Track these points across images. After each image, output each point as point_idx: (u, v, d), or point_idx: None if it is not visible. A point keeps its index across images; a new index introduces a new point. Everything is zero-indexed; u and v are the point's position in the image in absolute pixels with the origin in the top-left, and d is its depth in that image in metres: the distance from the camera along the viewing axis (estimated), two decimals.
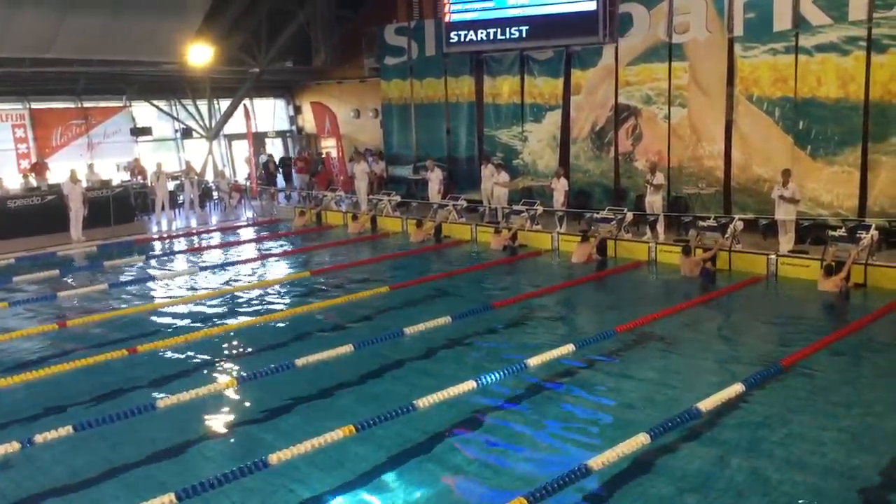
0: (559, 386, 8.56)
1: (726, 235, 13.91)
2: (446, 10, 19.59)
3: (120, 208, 20.66)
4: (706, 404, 7.50)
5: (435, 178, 19.61)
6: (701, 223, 14.47)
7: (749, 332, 10.66)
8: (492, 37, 18.99)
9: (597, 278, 13.90)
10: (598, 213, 16.15)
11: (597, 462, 6.31)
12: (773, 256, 13.32)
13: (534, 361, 8.87)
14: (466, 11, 19.34)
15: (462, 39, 19.50)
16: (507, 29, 18.72)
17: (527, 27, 18.41)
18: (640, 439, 6.73)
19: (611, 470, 6.37)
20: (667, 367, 9.16)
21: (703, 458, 6.75)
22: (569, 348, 9.31)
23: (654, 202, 15.53)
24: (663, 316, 10.90)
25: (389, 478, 6.51)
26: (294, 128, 28.73)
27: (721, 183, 16.15)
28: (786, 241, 13.76)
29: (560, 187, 17.15)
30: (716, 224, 14.25)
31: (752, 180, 15.54)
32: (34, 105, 22.81)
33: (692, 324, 10.78)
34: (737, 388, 7.92)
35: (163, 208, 21.44)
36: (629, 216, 15.57)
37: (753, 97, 15.49)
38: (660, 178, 15.67)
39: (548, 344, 9.55)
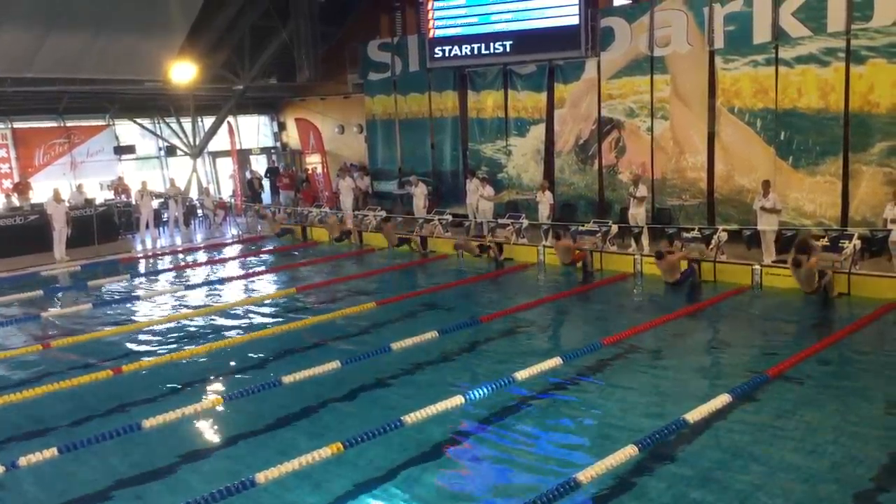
0: (545, 398, 8.57)
1: (710, 247, 13.99)
2: (430, 25, 19.69)
3: (104, 227, 20.46)
4: (693, 415, 7.51)
5: (420, 193, 19.65)
6: (685, 234, 14.55)
7: (735, 343, 10.71)
8: (476, 52, 19.14)
9: (583, 291, 13.93)
10: (582, 225, 16.21)
11: (586, 475, 6.29)
12: (757, 267, 13.41)
13: (521, 375, 8.85)
14: (450, 27, 19.47)
15: (447, 55, 19.62)
16: (492, 44, 18.86)
17: (511, 41, 18.56)
18: (629, 451, 6.72)
19: (600, 483, 6.37)
20: (654, 379, 9.18)
21: (693, 467, 6.77)
22: (556, 361, 9.30)
23: (638, 214, 15.60)
24: (650, 327, 10.94)
25: (378, 494, 6.48)
26: (278, 144, 28.70)
27: (704, 194, 16.29)
28: (767, 252, 13.85)
29: (545, 200, 17.22)
30: (700, 235, 14.33)
31: (735, 191, 15.68)
32: (16, 124, 22.66)
33: (679, 335, 10.83)
34: (724, 399, 7.94)
35: (147, 226, 21.33)
36: (614, 228, 15.63)
37: (735, 109, 15.66)
38: (643, 190, 15.76)
39: (535, 357, 9.53)
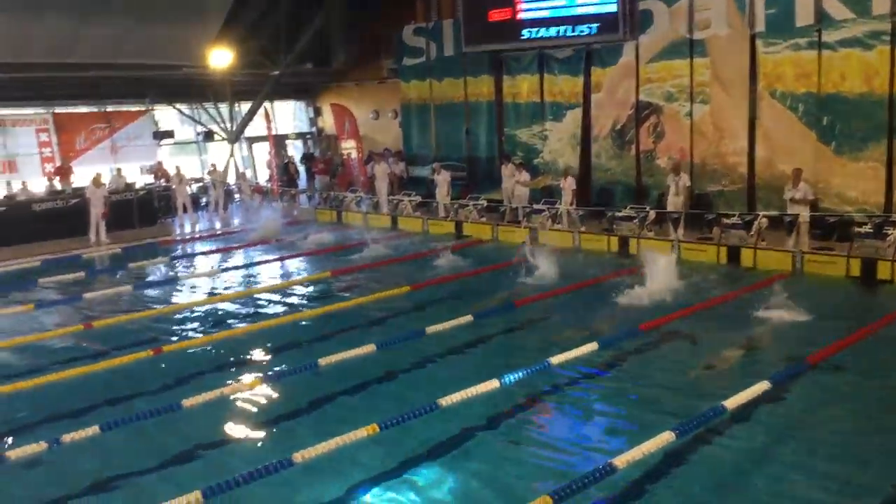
0: (583, 384, 8.53)
1: (750, 233, 13.78)
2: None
3: (144, 211, 20.84)
4: (732, 402, 7.43)
5: (443, 180, 19.62)
6: (725, 221, 14.35)
7: (775, 330, 10.52)
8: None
9: (619, 276, 13.79)
10: (619, 211, 16.07)
11: (622, 460, 6.26)
12: (798, 253, 13.18)
13: (557, 360, 8.82)
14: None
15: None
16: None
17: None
18: (666, 437, 6.67)
19: (636, 468, 6.32)
20: (692, 365, 9.08)
21: (730, 455, 6.70)
22: (592, 346, 9.26)
23: (677, 203, 15.40)
24: (688, 314, 10.82)
25: (413, 476, 6.50)
26: (314, 129, 28.83)
27: (745, 180, 16.02)
28: (802, 242, 13.55)
29: (567, 187, 17.17)
30: (740, 221, 14.12)
31: (776, 177, 15.38)
32: (57, 110, 23.05)
33: (717, 322, 10.68)
34: (763, 386, 7.83)
35: (184, 210, 21.57)
36: (652, 214, 15.46)
37: (776, 93, 15.35)
38: (685, 179, 15.52)
39: (571, 342, 9.49)
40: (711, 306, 11.31)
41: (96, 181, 19.03)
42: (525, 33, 18.69)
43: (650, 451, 6.47)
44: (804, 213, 13.69)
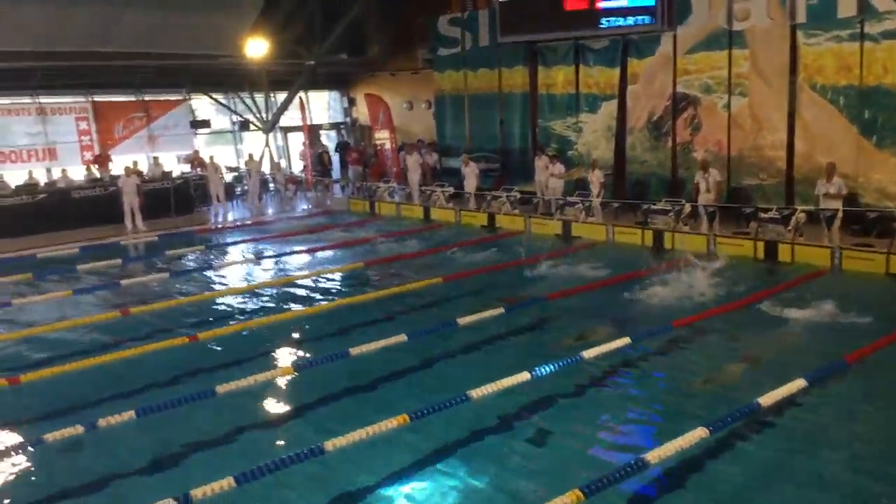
0: (614, 378, 8.46)
1: (788, 228, 13.56)
2: None
3: (180, 199, 21.11)
4: (766, 399, 7.33)
5: (470, 172, 19.57)
6: (762, 215, 14.14)
7: (812, 327, 10.34)
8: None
9: (653, 271, 13.66)
10: (654, 204, 15.91)
11: (654, 455, 6.20)
12: (837, 249, 12.94)
13: (589, 353, 8.77)
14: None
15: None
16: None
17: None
18: (699, 433, 6.60)
19: (668, 464, 6.27)
20: (726, 361, 8.97)
21: (763, 452, 6.61)
22: (624, 341, 9.18)
23: (709, 199, 15.20)
24: (723, 310, 10.68)
25: (443, 467, 6.51)
26: (348, 119, 28.93)
27: (783, 174, 15.76)
28: (834, 238, 13.30)
29: (595, 179, 17.06)
30: (778, 216, 13.90)
31: (816, 171, 15.07)
32: (96, 98, 23.39)
33: (752, 318, 10.53)
34: (799, 384, 7.71)
35: (218, 200, 21.77)
36: (687, 208, 15.27)
37: (817, 86, 15.06)
38: (715, 174, 15.30)
39: (604, 336, 9.42)
40: (747, 302, 11.14)
41: (128, 171, 19.30)
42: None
43: (683, 447, 6.40)
44: (838, 207, 13.43)
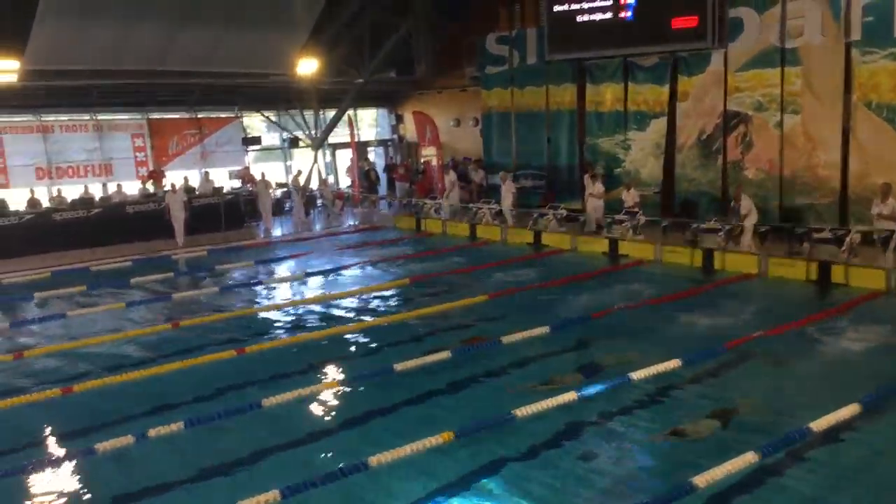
0: (663, 400, 8.32)
1: (842, 249, 13.25)
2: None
3: (230, 215, 21.45)
4: (819, 424, 7.14)
5: (507, 190, 19.53)
6: (815, 235, 13.83)
7: (867, 350, 10.07)
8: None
9: (703, 291, 13.47)
10: (704, 223, 15.68)
11: (702, 479, 6.09)
12: (893, 271, 12.58)
13: (637, 375, 8.65)
14: None
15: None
16: None
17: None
18: (748, 458, 6.46)
19: (716, 488, 6.14)
20: (778, 385, 8.79)
21: (814, 480, 6.44)
22: (674, 363, 9.02)
23: (747, 229, 14.94)
24: (774, 332, 10.45)
25: (487, 485, 6.47)
26: (395, 136, 29.17)
27: (837, 193, 15.42)
28: (889, 257, 12.93)
29: (630, 199, 16.86)
30: (831, 236, 13.58)
31: (871, 190, 14.70)
32: (152, 115, 23.99)
33: (805, 340, 10.28)
34: (853, 409, 7.50)
35: (265, 216, 21.98)
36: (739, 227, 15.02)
37: (872, 104, 14.74)
38: (746, 206, 15.05)
39: (652, 357, 9.25)
40: (799, 324, 10.89)
41: (173, 188, 19.71)
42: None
43: (731, 471, 6.28)
44: (894, 229, 13.07)
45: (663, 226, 16.35)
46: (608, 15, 17.49)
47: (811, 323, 10.99)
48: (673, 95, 18.16)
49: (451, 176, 21.94)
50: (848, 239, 13.28)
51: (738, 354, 9.67)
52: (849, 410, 7.47)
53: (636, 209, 16.92)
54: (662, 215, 17.43)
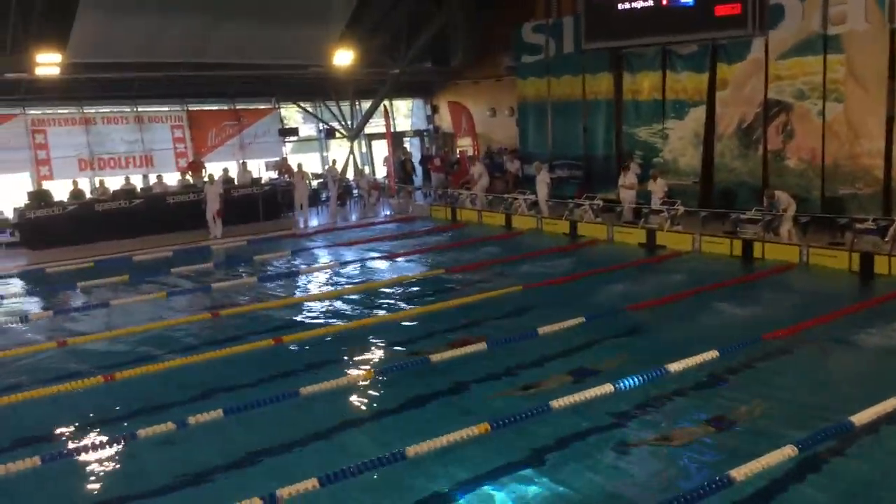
0: (700, 392, 8.26)
1: (886, 239, 12.99)
2: None
3: (268, 205, 21.69)
4: (860, 418, 7.03)
5: (541, 180, 19.43)
6: (857, 225, 13.58)
7: None
8: None
9: (741, 282, 13.31)
10: (743, 213, 15.48)
11: (740, 472, 6.04)
12: None
13: (674, 367, 8.58)
14: None
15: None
16: None
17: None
18: (787, 451, 6.39)
19: (754, 482, 6.09)
20: (818, 378, 8.67)
21: (854, 474, 6.37)
22: (712, 354, 8.94)
23: (786, 218, 14.69)
24: (814, 323, 10.29)
25: (522, 476, 6.48)
26: (431, 127, 29.19)
27: (880, 183, 15.11)
28: None
29: (658, 189, 16.67)
30: (874, 227, 13.33)
31: None
32: (191, 107, 24.30)
33: (846, 332, 10.11)
34: (895, 402, 7.37)
35: (302, 207, 22.18)
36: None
37: None
38: (784, 200, 14.79)
39: (689, 348, 9.15)
40: (840, 316, 10.72)
41: (210, 179, 19.94)
42: None
43: (769, 464, 6.21)
44: None
45: (702, 216, 16.15)
46: (649, 3, 17.27)
47: (853, 314, 10.82)
48: (712, 84, 17.90)
49: (478, 167, 21.92)
50: (891, 229, 13.03)
51: (777, 346, 9.55)
52: (891, 403, 7.33)
53: (666, 198, 16.76)
54: (701, 205, 17.22)
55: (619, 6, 17.83)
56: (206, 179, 20.46)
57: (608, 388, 7.98)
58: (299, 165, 22.75)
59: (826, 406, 7.70)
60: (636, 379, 8.24)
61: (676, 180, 18.43)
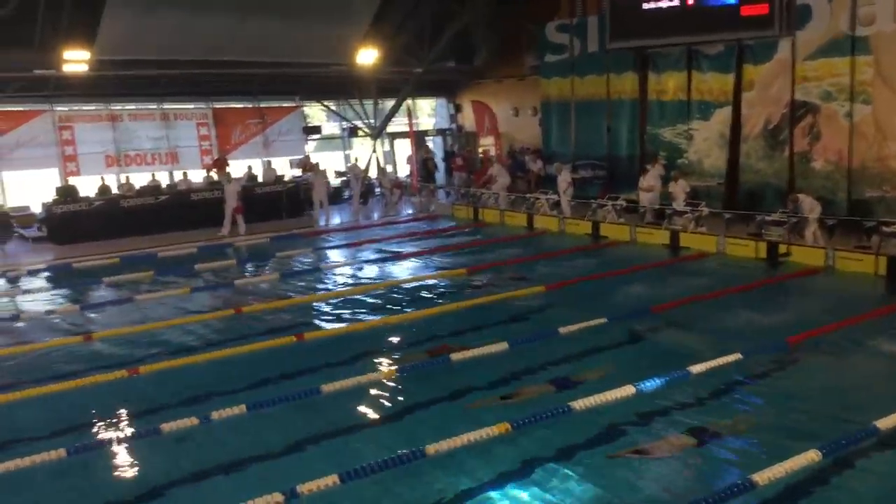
0: (722, 395, 8.20)
1: None
2: None
3: (291, 203, 21.81)
4: (886, 422, 6.95)
5: (562, 180, 19.34)
6: (885, 228, 13.41)
7: None
8: None
9: (766, 284, 13.18)
10: (769, 215, 15.34)
11: (762, 476, 5.99)
12: None
13: (697, 369, 8.52)
14: None
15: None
16: None
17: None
18: (811, 456, 6.33)
19: (776, 486, 6.04)
20: (844, 381, 8.56)
21: (879, 479, 6.28)
22: (735, 357, 8.87)
23: (811, 221, 14.53)
24: (839, 326, 10.18)
25: (541, 477, 6.47)
26: (454, 126, 29.20)
27: None
28: None
29: (679, 190, 16.57)
30: None
31: None
32: (216, 105, 24.49)
33: (872, 336, 9.99)
34: None
35: (321, 205, 22.19)
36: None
37: None
38: (808, 204, 14.64)
39: (712, 351, 9.10)
40: (867, 320, 10.58)
41: (229, 178, 20.09)
42: None
43: (792, 469, 6.16)
44: None
45: (727, 218, 16.02)
46: (675, 2, 17.15)
47: (879, 318, 10.68)
48: (738, 84, 17.76)
49: (496, 167, 21.92)
50: None
51: (802, 349, 9.45)
52: None
53: (689, 200, 16.66)
54: (725, 207, 17.09)
55: (645, 6, 17.75)
56: (238, 175, 20.61)
57: (630, 389, 7.93)
58: (316, 163, 22.85)
59: (850, 409, 7.61)
60: (658, 381, 8.18)
61: (701, 181, 18.31)
